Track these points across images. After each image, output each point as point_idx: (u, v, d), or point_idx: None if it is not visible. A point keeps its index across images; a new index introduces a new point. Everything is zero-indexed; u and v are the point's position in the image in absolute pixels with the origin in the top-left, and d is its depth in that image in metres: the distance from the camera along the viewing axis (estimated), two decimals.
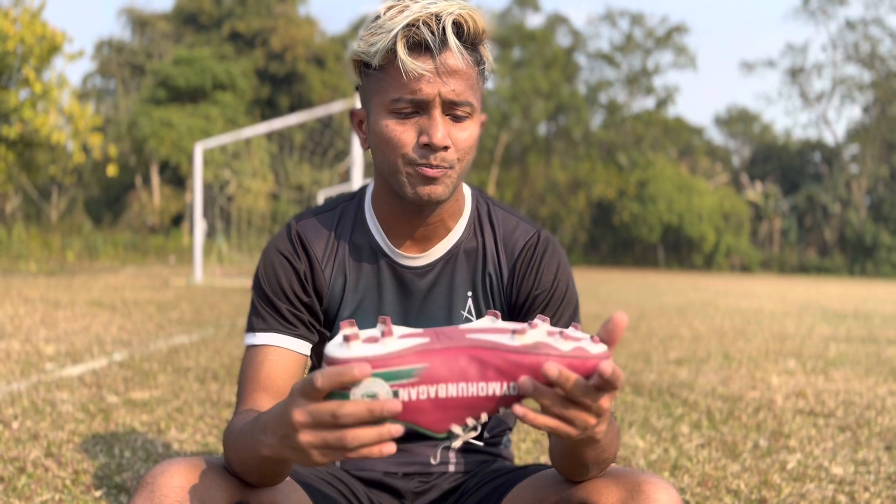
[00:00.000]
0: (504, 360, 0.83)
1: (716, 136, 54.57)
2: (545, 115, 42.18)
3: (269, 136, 20.15)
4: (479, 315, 1.32)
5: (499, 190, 40.22)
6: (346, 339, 0.81)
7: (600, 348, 0.85)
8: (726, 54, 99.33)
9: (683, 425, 2.96)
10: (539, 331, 0.86)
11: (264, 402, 1.19)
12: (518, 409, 0.84)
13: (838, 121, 63.92)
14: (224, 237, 18.24)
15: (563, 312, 1.30)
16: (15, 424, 2.58)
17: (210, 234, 17.46)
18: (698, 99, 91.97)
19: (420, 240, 1.29)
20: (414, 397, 0.83)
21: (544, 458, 2.38)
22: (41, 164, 15.92)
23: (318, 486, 1.37)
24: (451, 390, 0.83)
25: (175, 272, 15.50)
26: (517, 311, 1.32)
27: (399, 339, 0.83)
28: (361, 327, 1.31)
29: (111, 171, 16.43)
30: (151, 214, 33.22)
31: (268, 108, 37.85)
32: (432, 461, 1.43)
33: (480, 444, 1.47)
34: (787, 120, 76.19)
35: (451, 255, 1.31)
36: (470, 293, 1.32)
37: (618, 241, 41.60)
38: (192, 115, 32.83)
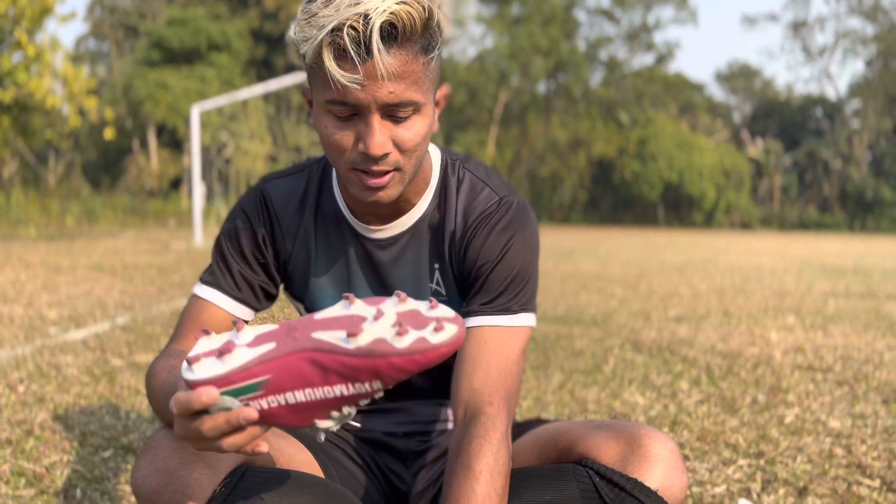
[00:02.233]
0: (342, 364, 0.83)
1: (717, 93, 54.03)
2: (544, 72, 41.70)
3: (266, 97, 19.97)
4: (448, 288, 1.29)
5: (498, 150, 39.97)
6: (189, 363, 0.85)
7: (444, 335, 0.82)
8: (728, 8, 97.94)
9: (683, 382, 2.99)
10: (380, 324, 0.83)
11: (192, 345, 1.22)
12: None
13: (841, 75, 63.70)
14: (223, 200, 18.21)
15: (507, 293, 1.22)
16: (21, 388, 2.61)
17: (209, 197, 17.43)
18: (699, 55, 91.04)
19: (384, 214, 1.27)
20: (266, 406, 0.86)
21: (545, 415, 2.41)
22: (37, 128, 15.82)
23: (322, 447, 1.39)
24: (300, 396, 0.85)
25: (175, 236, 15.50)
26: (467, 285, 1.26)
27: (245, 350, 0.85)
28: (330, 295, 1.32)
29: (108, 134, 16.31)
30: (150, 178, 33.09)
31: (264, 69, 37.42)
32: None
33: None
34: (789, 75, 75.79)
35: (415, 230, 1.28)
36: (437, 265, 1.29)
37: (618, 199, 41.50)
38: (188, 77, 32.49)
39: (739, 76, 50.65)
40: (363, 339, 0.82)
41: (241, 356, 0.84)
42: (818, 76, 51.00)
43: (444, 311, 0.86)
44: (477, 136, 39.67)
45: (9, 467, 1.83)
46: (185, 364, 0.86)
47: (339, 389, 0.84)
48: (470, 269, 1.25)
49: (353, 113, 1.06)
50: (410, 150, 1.10)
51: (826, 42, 50.20)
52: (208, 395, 0.83)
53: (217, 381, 0.84)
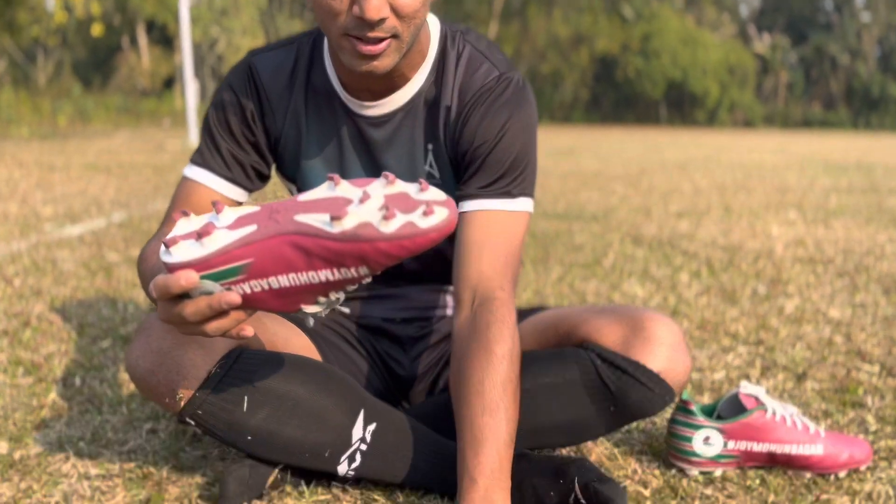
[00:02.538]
0: (326, 249, 0.78)
1: None
2: None
3: None
4: (441, 170, 1.23)
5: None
6: (167, 245, 0.80)
7: (433, 220, 0.77)
8: None
9: (683, 274, 2.98)
10: (367, 207, 0.78)
11: None
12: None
13: None
14: None
15: (506, 176, 1.16)
16: (17, 282, 2.59)
17: (203, 95, 17.08)
18: None
19: (377, 90, 1.19)
20: (248, 291, 0.82)
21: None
22: (23, 24, 15.32)
23: (320, 332, 1.38)
24: (283, 281, 0.82)
25: (170, 135, 15.28)
26: (461, 166, 1.20)
27: (225, 232, 0.80)
28: (322, 175, 1.26)
29: (96, 30, 15.82)
30: (141, 77, 32.37)
31: None
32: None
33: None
34: None
35: (411, 106, 1.21)
36: (431, 146, 1.22)
37: (620, 97, 40.77)
38: None
39: None
40: (348, 223, 0.77)
41: (221, 239, 0.80)
42: None
43: (435, 193, 0.81)
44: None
45: (6, 357, 1.82)
46: (162, 247, 0.82)
47: (325, 275, 0.80)
48: (466, 150, 1.19)
49: None
50: (409, 15, 1.01)
51: None
52: (187, 278, 0.80)
53: (196, 265, 0.80)
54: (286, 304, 0.83)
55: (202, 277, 0.80)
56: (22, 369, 1.75)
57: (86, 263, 2.93)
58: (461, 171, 1.21)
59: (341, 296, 0.85)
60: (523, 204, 1.18)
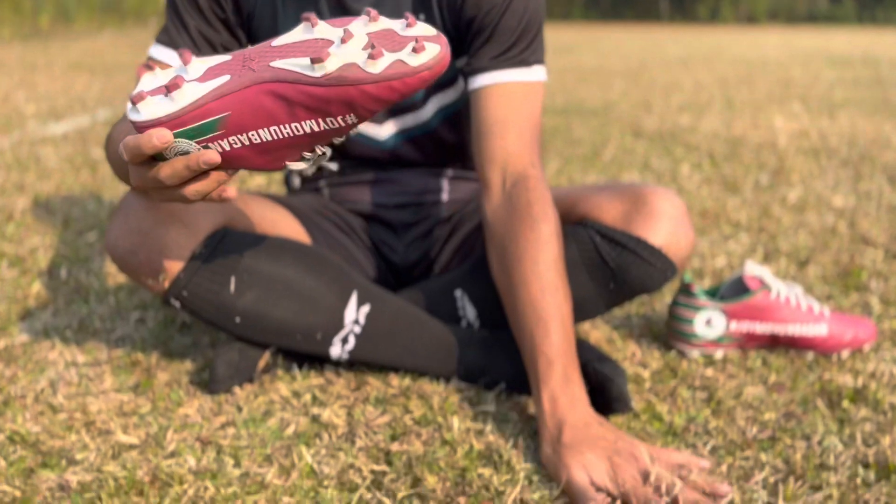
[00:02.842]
0: (308, 96, 0.71)
1: None
2: None
3: None
4: None
5: None
6: (133, 102, 0.72)
7: (425, 56, 0.70)
8: None
9: (684, 165, 2.91)
10: (350, 48, 0.71)
11: None
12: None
13: None
14: None
15: (520, 43, 1.09)
16: None
17: None
18: None
19: None
20: (228, 147, 0.74)
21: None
22: None
23: (310, 216, 1.32)
24: (264, 135, 0.74)
25: (155, 34, 14.80)
26: (466, 37, 1.12)
27: (195, 85, 0.72)
28: None
29: None
30: None
31: None
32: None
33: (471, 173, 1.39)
34: None
35: None
36: (423, 15, 1.14)
37: None
38: None
39: None
40: (331, 65, 0.69)
41: (192, 92, 0.72)
42: None
43: (424, 28, 0.73)
44: None
45: None
46: (129, 105, 0.74)
47: (309, 125, 0.73)
48: (472, 18, 1.09)
49: None
50: None
51: None
52: (160, 137, 0.72)
53: (168, 122, 0.72)
54: (269, 160, 0.77)
55: (175, 136, 0.73)
56: (6, 262, 1.71)
57: (70, 159, 2.85)
58: (466, 44, 1.13)
59: (328, 150, 0.79)
60: (539, 73, 1.11)
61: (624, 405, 1.05)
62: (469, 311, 1.21)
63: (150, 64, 0.77)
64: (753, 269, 1.29)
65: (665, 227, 1.12)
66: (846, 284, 1.61)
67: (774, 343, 1.28)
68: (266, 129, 0.74)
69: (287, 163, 0.78)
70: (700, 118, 4.22)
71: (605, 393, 1.05)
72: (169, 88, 0.72)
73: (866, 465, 0.96)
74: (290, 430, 1.03)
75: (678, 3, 39.90)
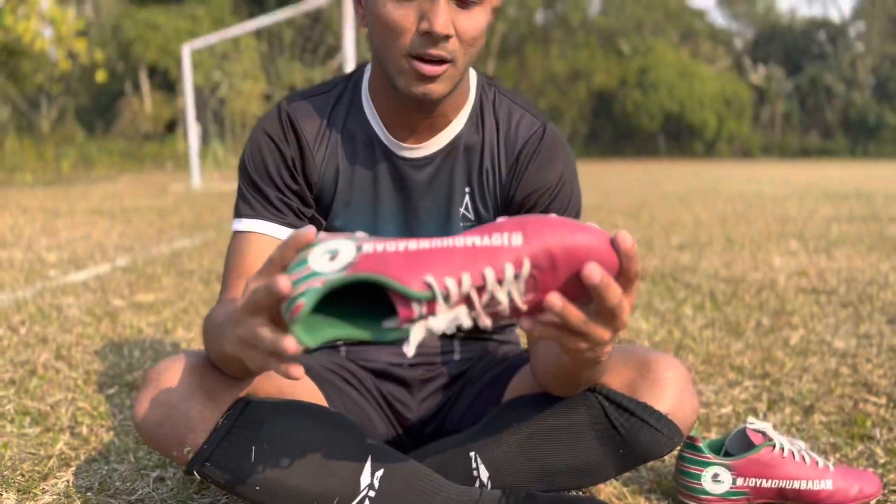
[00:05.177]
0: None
1: (718, 19, 52.87)
2: (541, 2, 40.72)
3: (258, 34, 19.53)
4: (477, 213, 1.26)
5: None
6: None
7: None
8: None
9: (687, 307, 2.98)
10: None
11: None
12: (526, 322, 0.79)
13: None
14: (219, 141, 18.00)
15: (566, 216, 1.23)
16: (22, 330, 2.60)
17: (205, 138, 17.22)
18: None
19: (419, 131, 1.22)
20: (381, 249, 0.74)
21: None
22: (27, 73, 15.54)
23: (325, 377, 1.38)
24: (424, 244, 0.75)
25: (173, 178, 15.39)
26: (513, 209, 1.25)
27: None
28: (356, 220, 1.28)
29: (100, 76, 16.01)
30: (144, 121, 32.69)
31: (255, 5, 36.48)
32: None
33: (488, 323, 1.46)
34: None
35: (451, 148, 1.24)
36: (468, 189, 1.26)
37: (618, 131, 41.07)
38: (178, 16, 31.75)
39: (741, 0, 49.43)
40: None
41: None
42: None
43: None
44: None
45: (13, 406, 1.83)
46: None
47: (472, 240, 0.75)
48: (525, 196, 1.24)
49: None
50: (469, 41, 1.08)
51: None
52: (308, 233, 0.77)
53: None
54: (413, 272, 0.73)
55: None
56: (29, 419, 1.75)
57: (90, 309, 2.94)
58: (514, 214, 1.25)
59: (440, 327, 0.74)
60: None
61: None
62: (482, 472, 1.24)
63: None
64: (756, 424, 1.33)
65: (670, 394, 1.17)
66: (851, 434, 1.64)
67: (782, 498, 1.29)
68: (428, 240, 0.76)
69: (426, 279, 0.73)
70: (700, 257, 4.34)
71: None
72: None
73: None
74: None
75: (675, 140, 41.37)
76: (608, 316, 0.81)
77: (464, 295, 0.73)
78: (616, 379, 1.20)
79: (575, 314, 0.79)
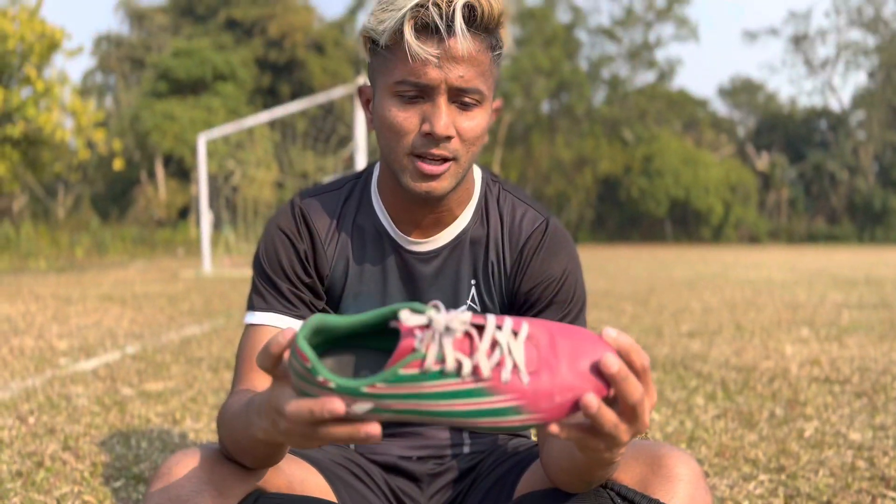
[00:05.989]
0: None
1: (720, 108, 54.18)
2: (547, 93, 41.86)
3: (272, 124, 20.10)
4: (483, 305, 1.29)
5: (503, 171, 40.03)
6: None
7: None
8: (728, 24, 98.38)
9: (698, 397, 2.95)
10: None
11: (260, 382, 1.18)
12: (555, 427, 0.77)
13: (844, 87, 63.87)
14: (231, 227, 18.27)
15: (571, 309, 1.25)
16: (31, 420, 2.60)
17: (217, 225, 17.49)
18: (701, 70, 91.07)
19: (425, 226, 1.26)
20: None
21: None
22: (46, 161, 15.95)
23: (335, 471, 1.37)
24: None
25: (184, 264, 15.54)
26: (519, 302, 1.28)
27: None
28: (362, 308, 1.30)
29: (117, 164, 16.44)
30: (158, 208, 33.27)
31: (269, 97, 37.72)
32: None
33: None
34: (792, 88, 75.74)
35: (457, 242, 1.28)
36: (473, 281, 1.29)
37: (625, 217, 41.46)
38: (194, 108, 32.78)
39: (742, 91, 50.71)
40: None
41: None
42: (821, 88, 51.13)
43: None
44: (482, 159, 39.66)
45: (20, 500, 1.81)
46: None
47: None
48: (529, 289, 1.26)
49: (420, 95, 1.08)
50: (470, 140, 1.12)
51: (828, 54, 50.28)
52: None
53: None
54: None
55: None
56: None
57: (99, 399, 2.94)
58: (520, 308, 1.28)
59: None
60: None
61: None
62: None
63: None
64: None
65: (683, 490, 1.16)
66: None
67: None
68: None
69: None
70: (711, 345, 4.31)
71: None
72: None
73: None
74: None
75: (682, 225, 41.69)
76: (630, 416, 0.80)
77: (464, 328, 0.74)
78: (628, 474, 1.19)
79: (609, 417, 0.77)
